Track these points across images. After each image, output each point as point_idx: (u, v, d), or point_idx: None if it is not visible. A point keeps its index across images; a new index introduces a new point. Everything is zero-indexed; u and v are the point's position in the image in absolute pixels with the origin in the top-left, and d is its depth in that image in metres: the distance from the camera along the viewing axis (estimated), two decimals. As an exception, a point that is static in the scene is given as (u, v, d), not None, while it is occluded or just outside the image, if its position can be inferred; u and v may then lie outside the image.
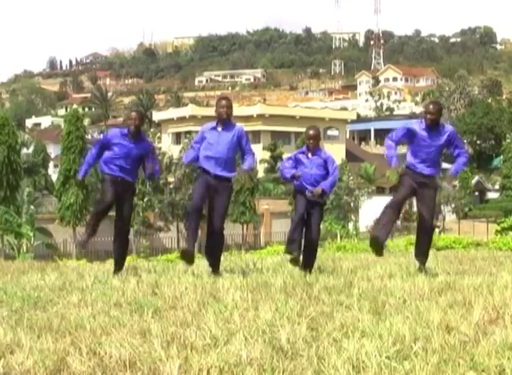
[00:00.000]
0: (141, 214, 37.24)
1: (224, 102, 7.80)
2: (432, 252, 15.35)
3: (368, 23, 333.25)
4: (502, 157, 65.68)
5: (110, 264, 9.72)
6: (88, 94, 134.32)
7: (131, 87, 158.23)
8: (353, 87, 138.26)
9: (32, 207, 35.44)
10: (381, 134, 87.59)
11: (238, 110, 58.62)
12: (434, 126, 7.76)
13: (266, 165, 58.74)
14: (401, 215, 8.82)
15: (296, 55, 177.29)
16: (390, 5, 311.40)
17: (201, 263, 8.66)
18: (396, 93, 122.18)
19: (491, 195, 65.47)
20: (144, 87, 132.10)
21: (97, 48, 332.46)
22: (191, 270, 8.30)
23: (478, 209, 56.04)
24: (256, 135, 65.90)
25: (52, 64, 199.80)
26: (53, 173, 59.91)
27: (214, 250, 7.89)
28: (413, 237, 12.64)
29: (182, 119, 70.99)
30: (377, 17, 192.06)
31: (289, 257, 8.35)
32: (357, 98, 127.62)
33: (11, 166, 34.94)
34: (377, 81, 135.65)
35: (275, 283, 6.57)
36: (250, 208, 42.11)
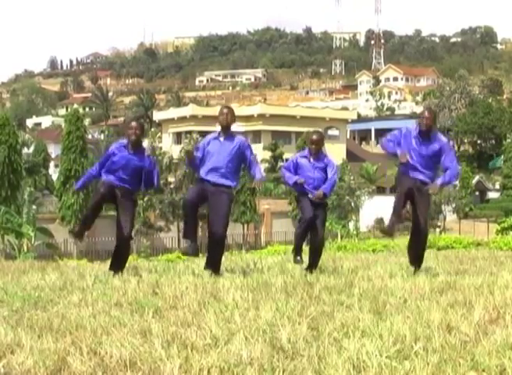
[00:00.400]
0: (142, 214, 37.26)
1: (225, 110, 7.87)
2: (432, 252, 15.35)
3: (368, 22, 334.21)
4: (502, 157, 65.67)
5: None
6: (89, 94, 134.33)
7: (132, 86, 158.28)
8: (354, 87, 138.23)
9: (34, 207, 35.48)
10: (381, 134, 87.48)
11: (239, 110, 58.60)
12: (427, 133, 7.81)
13: (267, 165, 58.77)
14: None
15: (296, 54, 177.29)
16: (391, 4, 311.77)
17: (202, 263, 8.65)
18: (396, 93, 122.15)
19: (491, 195, 65.48)
20: (145, 87, 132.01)
21: (97, 48, 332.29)
22: (192, 270, 8.30)
23: (478, 209, 56.04)
24: (256, 135, 65.97)
25: (53, 64, 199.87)
26: (53, 172, 59.96)
27: (215, 255, 7.90)
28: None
29: (182, 119, 71.05)
30: (377, 17, 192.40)
31: (295, 258, 8.70)
32: (358, 98, 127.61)
33: (12, 166, 34.97)
34: (377, 81, 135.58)
35: (276, 282, 6.58)
36: (250, 207, 42.15)
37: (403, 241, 24.57)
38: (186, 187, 39.32)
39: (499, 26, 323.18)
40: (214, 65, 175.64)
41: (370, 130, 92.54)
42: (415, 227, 8.01)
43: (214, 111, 69.29)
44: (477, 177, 64.48)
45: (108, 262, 8.63)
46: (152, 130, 50.55)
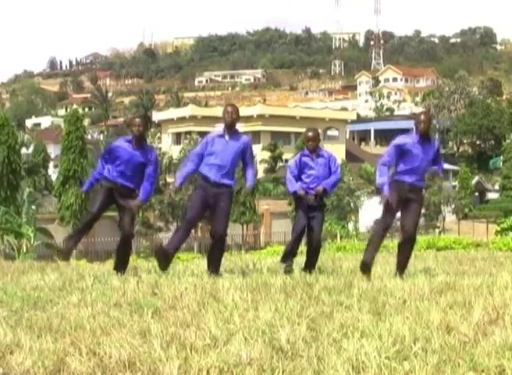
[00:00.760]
0: (141, 214, 37.26)
1: (230, 109, 7.86)
2: (432, 253, 15.35)
3: (367, 23, 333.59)
4: (502, 157, 65.70)
5: (110, 264, 9.72)
6: (88, 95, 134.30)
7: (131, 87, 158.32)
8: (353, 88, 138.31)
9: (33, 207, 35.46)
10: (381, 135, 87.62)
11: (238, 110, 58.58)
12: (426, 137, 7.77)
13: (266, 165, 58.79)
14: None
15: (296, 55, 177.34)
16: (390, 5, 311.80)
17: (201, 263, 8.66)
18: (396, 93, 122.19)
19: (491, 196, 65.48)
20: (144, 88, 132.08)
21: (97, 48, 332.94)
22: (191, 270, 8.29)
23: (478, 210, 56.03)
24: (256, 135, 65.93)
25: (52, 64, 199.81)
26: (53, 173, 59.92)
27: (215, 254, 7.97)
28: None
29: (182, 120, 71.08)
30: (377, 17, 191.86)
31: (283, 266, 8.55)
32: (357, 99, 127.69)
33: (11, 166, 34.94)
34: (377, 81, 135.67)
35: (275, 283, 6.57)
36: (250, 208, 42.14)
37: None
38: (185, 188, 39.30)
39: (499, 27, 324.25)
40: (213, 65, 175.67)
41: (369, 131, 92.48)
42: (404, 234, 7.94)
43: (213, 111, 69.49)
44: (476, 178, 64.48)
45: (109, 263, 8.64)
46: (152, 130, 50.55)
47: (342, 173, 10.07)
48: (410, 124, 9.47)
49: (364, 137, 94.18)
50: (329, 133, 70.72)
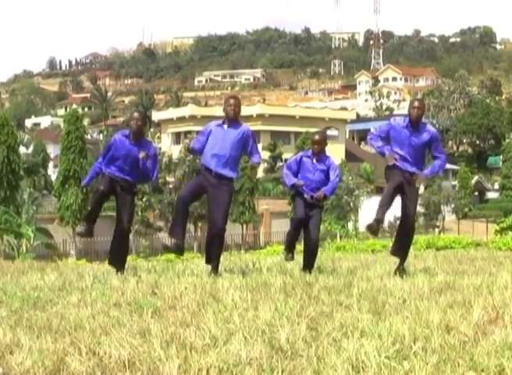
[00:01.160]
0: (141, 214, 37.25)
1: (232, 101, 7.72)
2: (431, 252, 15.35)
3: (367, 22, 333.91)
4: (501, 157, 65.71)
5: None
6: (88, 94, 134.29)
7: (131, 87, 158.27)
8: (353, 87, 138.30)
9: (33, 207, 35.44)
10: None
11: (238, 110, 58.60)
12: (416, 124, 7.74)
13: (266, 165, 58.79)
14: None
15: (295, 55, 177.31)
16: (390, 4, 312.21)
17: (201, 263, 8.65)
18: (395, 93, 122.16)
19: (491, 195, 65.50)
20: (144, 87, 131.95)
21: (96, 48, 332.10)
22: (191, 270, 8.29)
23: (477, 209, 56.04)
24: (255, 135, 65.90)
25: (52, 64, 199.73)
26: (53, 173, 59.86)
27: (214, 249, 7.79)
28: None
29: (181, 119, 71.02)
30: (376, 17, 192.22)
31: (285, 254, 8.76)
32: (357, 98, 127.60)
33: (10, 166, 34.90)
34: (376, 81, 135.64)
35: (275, 283, 6.57)
36: (249, 208, 42.14)
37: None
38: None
39: (499, 27, 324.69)
40: (213, 65, 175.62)
41: (369, 130, 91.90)
42: (404, 218, 7.96)
43: (213, 111, 69.42)
44: (476, 177, 64.50)
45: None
46: (151, 130, 50.50)
47: (340, 173, 10.04)
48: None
49: (363, 136, 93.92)
50: (329, 132, 70.59)
